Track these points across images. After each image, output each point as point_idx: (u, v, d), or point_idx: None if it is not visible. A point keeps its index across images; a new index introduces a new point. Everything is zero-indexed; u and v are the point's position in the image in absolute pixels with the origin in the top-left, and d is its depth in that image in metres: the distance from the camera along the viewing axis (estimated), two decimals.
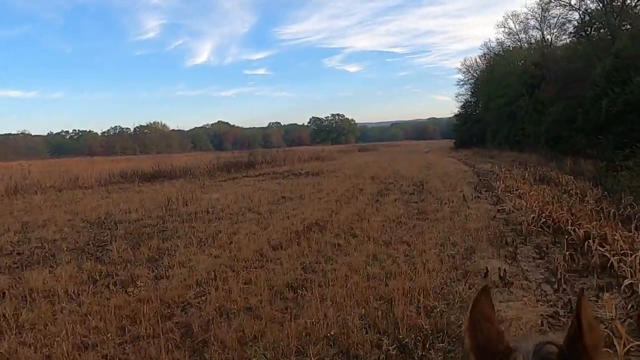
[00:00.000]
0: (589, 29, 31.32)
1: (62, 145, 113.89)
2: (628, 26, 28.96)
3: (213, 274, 6.66)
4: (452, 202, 12.83)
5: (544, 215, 9.45)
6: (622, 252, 6.38)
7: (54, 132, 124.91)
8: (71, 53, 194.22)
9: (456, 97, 64.93)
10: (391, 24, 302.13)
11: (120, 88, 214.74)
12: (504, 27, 50.06)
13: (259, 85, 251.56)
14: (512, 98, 41.66)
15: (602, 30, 31.59)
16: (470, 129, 54.91)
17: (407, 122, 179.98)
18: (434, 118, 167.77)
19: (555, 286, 6.01)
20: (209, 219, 11.39)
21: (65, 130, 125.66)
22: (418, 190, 15.70)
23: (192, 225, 10.57)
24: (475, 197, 13.77)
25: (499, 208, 11.95)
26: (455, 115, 63.97)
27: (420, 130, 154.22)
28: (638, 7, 30.54)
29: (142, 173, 22.17)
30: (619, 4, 30.57)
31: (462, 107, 61.83)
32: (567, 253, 6.63)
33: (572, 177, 15.02)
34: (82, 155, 74.56)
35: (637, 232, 7.26)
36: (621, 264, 5.82)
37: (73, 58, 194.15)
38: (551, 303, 5.46)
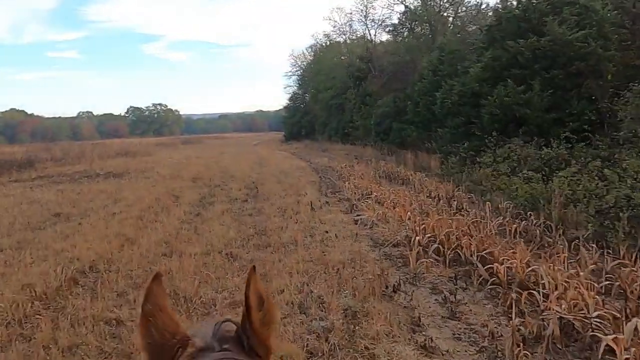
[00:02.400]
0: (412, 24, 31.89)
1: None
2: (440, 25, 30.22)
3: None
4: (298, 212, 9.81)
5: (423, 233, 6.95)
6: (596, 314, 3.92)
7: None
8: None
9: (284, 88, 63.89)
10: (216, 15, 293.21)
11: None
12: (330, 19, 50.12)
13: (67, 69, 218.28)
14: (340, 90, 41.28)
15: (420, 28, 32.54)
16: (300, 121, 53.93)
17: (234, 114, 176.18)
18: (261, 111, 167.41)
19: None
20: None
21: None
22: (252, 195, 12.37)
23: None
24: (324, 203, 10.99)
25: (357, 219, 9.31)
26: (284, 107, 62.67)
27: (248, 123, 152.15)
28: (450, 9, 32.23)
29: None
30: (434, 3, 31.76)
31: (291, 99, 60.74)
32: (515, 323, 3.91)
33: (424, 175, 13.36)
34: None
35: (579, 268, 4.99)
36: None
37: None
38: None
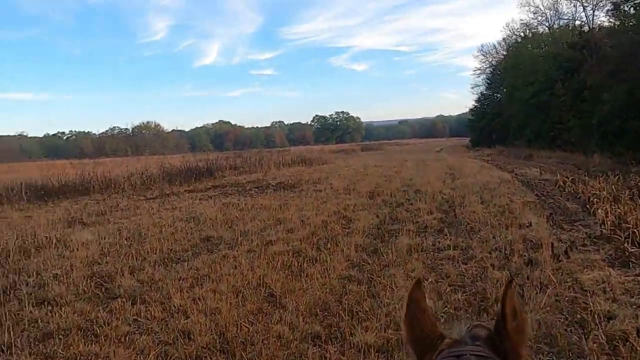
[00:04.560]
0: None
1: (56, 147, 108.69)
2: None
3: None
4: (531, 261, 6.10)
5: None
6: None
7: (51, 134, 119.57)
8: (80, 55, 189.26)
9: (472, 88, 57.90)
10: (397, 23, 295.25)
11: (127, 89, 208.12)
12: (529, 5, 43.14)
13: (265, 85, 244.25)
14: (543, 86, 34.64)
15: None
16: (490, 125, 47.84)
17: (414, 120, 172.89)
18: (441, 115, 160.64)
19: None
20: None
21: (61, 131, 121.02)
22: (448, 222, 8.95)
23: None
24: (567, 244, 6.99)
25: None
26: (471, 110, 56.84)
27: (428, 128, 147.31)
28: None
29: (34, 188, 15.45)
30: None
31: (478, 100, 54.69)
32: None
33: None
34: (73, 158, 68.40)
35: None
36: None
37: (82, 60, 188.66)
38: None
